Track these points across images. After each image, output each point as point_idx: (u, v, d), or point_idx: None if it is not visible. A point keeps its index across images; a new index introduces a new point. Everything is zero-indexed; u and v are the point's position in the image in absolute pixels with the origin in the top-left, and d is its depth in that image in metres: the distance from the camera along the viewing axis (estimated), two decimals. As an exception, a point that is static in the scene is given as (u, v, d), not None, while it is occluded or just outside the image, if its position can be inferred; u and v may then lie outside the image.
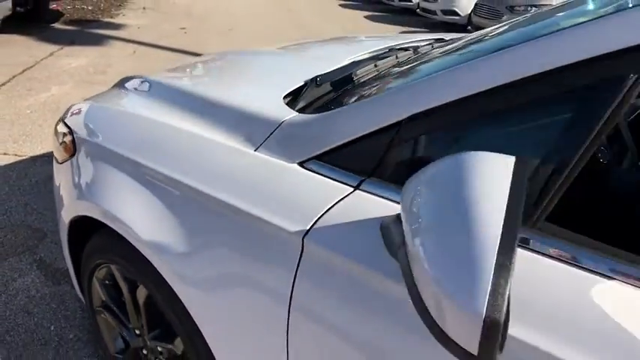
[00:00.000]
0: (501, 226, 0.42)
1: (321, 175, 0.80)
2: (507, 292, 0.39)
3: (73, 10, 8.21)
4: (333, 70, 1.21)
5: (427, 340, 0.49)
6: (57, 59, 5.23)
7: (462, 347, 0.43)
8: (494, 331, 0.41)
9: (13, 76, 4.51)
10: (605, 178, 0.92)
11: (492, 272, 0.40)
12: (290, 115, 0.93)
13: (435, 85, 0.72)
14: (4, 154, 2.97)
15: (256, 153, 0.89)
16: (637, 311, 0.54)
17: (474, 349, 0.42)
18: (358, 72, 1.15)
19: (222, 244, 0.87)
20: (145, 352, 1.28)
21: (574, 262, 0.58)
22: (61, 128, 1.34)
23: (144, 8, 9.43)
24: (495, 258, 0.41)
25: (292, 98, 1.08)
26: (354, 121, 0.78)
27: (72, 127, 1.29)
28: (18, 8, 6.28)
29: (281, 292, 0.77)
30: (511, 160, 0.49)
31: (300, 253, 0.75)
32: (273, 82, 1.19)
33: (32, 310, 1.77)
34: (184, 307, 0.97)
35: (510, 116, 0.64)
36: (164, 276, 0.98)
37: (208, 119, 1.03)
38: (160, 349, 1.20)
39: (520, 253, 0.60)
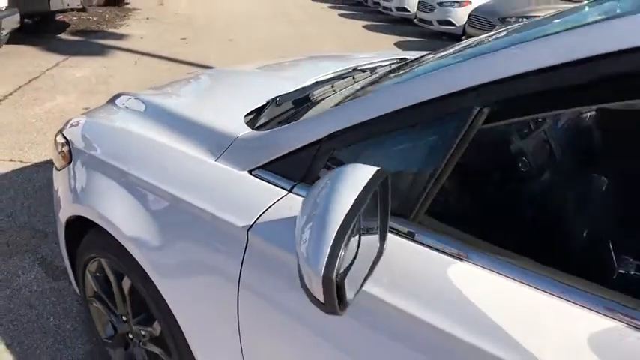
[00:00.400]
0: (344, 216, 0.60)
1: (265, 180, 0.98)
2: (338, 257, 0.58)
3: (78, 20, 8.47)
4: (294, 91, 1.40)
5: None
6: (62, 69, 5.46)
7: (318, 300, 0.61)
8: (330, 286, 0.58)
9: (20, 86, 4.73)
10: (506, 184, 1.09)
11: (330, 245, 0.58)
12: (244, 131, 1.12)
13: (347, 109, 0.91)
14: (11, 160, 3.17)
15: (216, 163, 1.08)
16: (485, 291, 0.71)
17: (321, 299, 0.60)
18: (315, 92, 1.33)
19: (186, 238, 1.06)
20: (130, 336, 1.46)
21: (440, 248, 0.76)
22: (60, 139, 1.53)
23: (147, 18, 9.69)
24: (334, 236, 0.59)
25: (254, 116, 1.27)
26: (291, 137, 0.96)
27: (69, 139, 1.47)
28: (27, 20, 6.54)
29: (232, 275, 0.95)
30: (373, 170, 0.67)
31: (245, 243, 0.93)
32: (240, 101, 1.37)
33: (34, 303, 1.95)
34: (159, 292, 1.15)
35: (399, 135, 0.82)
36: (143, 266, 1.16)
37: (181, 134, 1.21)
38: (142, 332, 1.38)
39: (405, 243, 0.78)
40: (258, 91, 1.46)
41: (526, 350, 0.63)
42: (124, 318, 1.45)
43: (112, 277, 1.40)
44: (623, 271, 0.85)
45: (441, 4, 8.68)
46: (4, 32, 4.80)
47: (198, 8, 11.60)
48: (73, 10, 6.91)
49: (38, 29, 7.17)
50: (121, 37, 7.64)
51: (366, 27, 10.22)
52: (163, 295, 1.14)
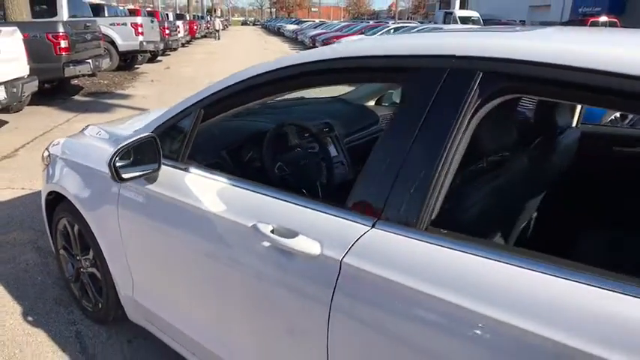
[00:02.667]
0: (124, 143, 1.52)
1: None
2: (115, 158, 1.47)
3: (91, 84, 9.79)
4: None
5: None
6: (71, 124, 6.58)
7: (111, 174, 1.51)
8: (112, 169, 1.48)
9: (35, 137, 5.83)
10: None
11: (113, 153, 1.49)
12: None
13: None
14: (22, 188, 4.17)
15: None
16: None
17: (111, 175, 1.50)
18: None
19: (100, 192, 1.96)
20: (81, 270, 2.34)
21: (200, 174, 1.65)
22: (45, 153, 2.48)
23: (152, 81, 11.00)
24: (115, 150, 1.50)
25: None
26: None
27: (50, 151, 2.43)
28: (46, 85, 7.79)
29: (114, 213, 1.85)
30: (148, 139, 1.57)
31: (117, 195, 1.83)
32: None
33: (29, 270, 2.86)
34: (91, 229, 2.05)
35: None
36: (82, 214, 2.06)
37: (111, 143, 2.14)
38: (84, 260, 2.26)
39: (179, 172, 1.69)
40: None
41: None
42: (77, 257, 2.34)
43: (69, 228, 2.30)
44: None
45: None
46: (25, 94, 5.95)
47: (202, 70, 12.95)
48: (84, 75, 8.17)
49: (56, 92, 8.45)
50: (126, 96, 8.87)
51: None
52: (93, 231, 2.04)
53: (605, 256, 1.17)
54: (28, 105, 7.14)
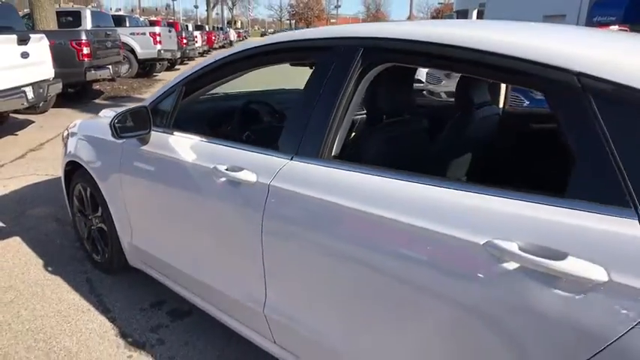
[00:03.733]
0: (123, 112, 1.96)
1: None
2: (115, 121, 1.93)
3: (111, 89, 10.44)
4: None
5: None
6: (91, 123, 7.16)
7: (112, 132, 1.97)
8: (112, 128, 1.95)
9: (58, 134, 6.40)
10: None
11: (115, 117, 1.95)
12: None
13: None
14: (46, 174, 4.72)
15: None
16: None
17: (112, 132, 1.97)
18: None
19: (106, 156, 2.44)
20: (92, 227, 2.82)
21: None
22: (65, 133, 2.98)
23: (168, 86, 11.61)
24: (115, 116, 1.96)
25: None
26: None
27: (69, 130, 2.92)
28: (70, 89, 8.42)
29: (117, 172, 2.32)
30: (141, 108, 2.03)
31: (120, 155, 2.30)
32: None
33: (49, 234, 3.36)
34: (100, 188, 2.52)
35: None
36: (95, 180, 2.54)
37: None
38: (95, 218, 2.74)
39: (164, 135, 2.14)
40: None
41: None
42: (89, 217, 2.82)
43: (83, 192, 2.79)
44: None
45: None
46: (50, 95, 6.54)
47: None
48: (104, 80, 8.80)
49: (79, 96, 9.09)
50: (142, 100, 9.45)
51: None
52: (103, 194, 2.51)
53: None
54: (52, 107, 7.77)
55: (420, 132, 2.06)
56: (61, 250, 3.13)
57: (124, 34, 11.45)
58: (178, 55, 14.47)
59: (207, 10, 44.98)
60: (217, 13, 54.63)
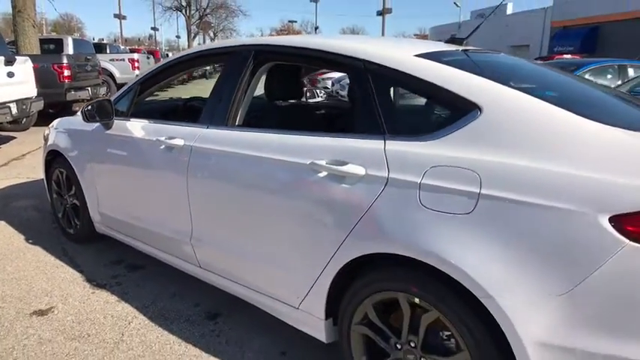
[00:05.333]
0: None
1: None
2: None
3: (90, 111, 11.03)
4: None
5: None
6: (70, 138, 7.76)
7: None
8: (83, 114, 2.61)
9: (39, 147, 6.98)
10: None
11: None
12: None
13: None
14: (27, 178, 5.31)
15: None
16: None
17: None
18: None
19: (79, 142, 3.09)
20: (66, 206, 3.43)
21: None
22: (46, 131, 3.62)
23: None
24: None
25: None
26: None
27: (49, 128, 3.56)
28: (50, 110, 9.01)
29: (88, 154, 2.97)
30: (106, 101, 2.69)
31: (90, 140, 2.95)
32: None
33: (30, 219, 3.95)
34: (76, 173, 3.15)
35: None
36: (70, 162, 3.17)
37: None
38: (69, 197, 3.35)
39: (124, 122, 2.80)
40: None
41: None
42: (64, 196, 3.43)
43: (60, 175, 3.41)
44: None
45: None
46: (33, 111, 7.16)
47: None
48: (83, 100, 9.41)
49: (59, 116, 9.65)
50: (120, 120, 10.07)
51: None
52: (74, 169, 3.15)
53: None
54: (33, 125, 8.36)
55: (288, 108, 2.81)
56: (41, 229, 3.73)
57: (104, 60, 12.16)
58: (157, 80, 15.16)
59: (187, 40, 46.23)
60: (199, 43, 55.96)
